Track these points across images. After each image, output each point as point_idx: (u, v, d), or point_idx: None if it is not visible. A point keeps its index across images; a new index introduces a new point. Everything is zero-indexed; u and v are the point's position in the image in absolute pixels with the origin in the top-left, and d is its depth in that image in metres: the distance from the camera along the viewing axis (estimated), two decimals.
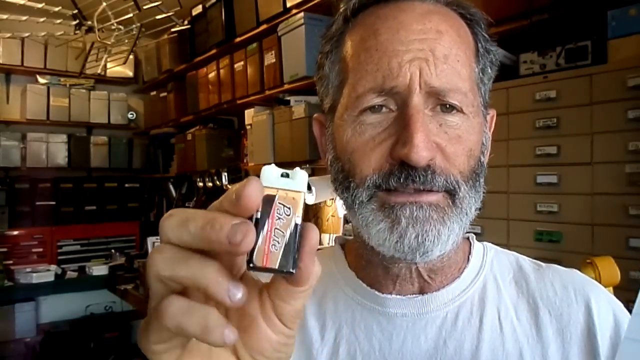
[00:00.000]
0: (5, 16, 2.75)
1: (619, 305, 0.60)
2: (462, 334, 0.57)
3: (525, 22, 1.63)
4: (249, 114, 3.07)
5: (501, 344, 0.56)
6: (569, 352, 0.56)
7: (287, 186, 0.34)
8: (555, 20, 1.60)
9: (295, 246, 0.33)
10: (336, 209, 2.77)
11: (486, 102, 0.59)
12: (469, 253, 0.63)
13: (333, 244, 0.69)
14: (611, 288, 1.26)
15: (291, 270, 0.33)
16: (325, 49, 0.60)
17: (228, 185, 3.29)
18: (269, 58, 2.82)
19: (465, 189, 0.53)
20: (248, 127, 3.08)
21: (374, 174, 0.52)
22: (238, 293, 0.32)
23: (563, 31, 1.60)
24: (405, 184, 0.50)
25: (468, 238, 0.65)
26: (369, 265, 0.60)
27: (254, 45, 2.96)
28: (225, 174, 3.30)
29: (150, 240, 3.60)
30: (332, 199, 2.73)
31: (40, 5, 2.63)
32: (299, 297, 0.36)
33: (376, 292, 0.59)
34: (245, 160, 3.29)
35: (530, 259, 0.65)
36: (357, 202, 0.53)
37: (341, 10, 0.58)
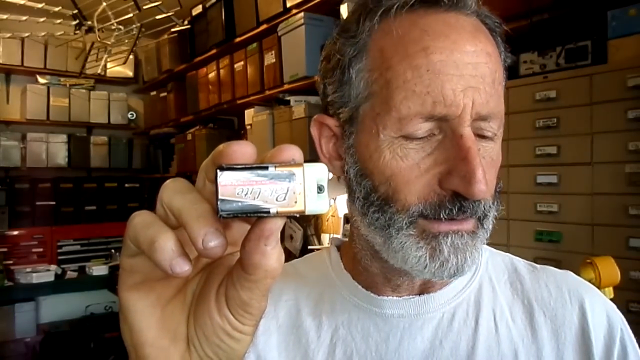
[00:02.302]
0: (5, 16, 2.75)
1: (612, 306, 0.61)
2: (458, 335, 0.57)
3: (525, 22, 1.63)
4: (249, 114, 3.07)
5: (497, 344, 0.56)
6: (563, 353, 0.56)
7: (314, 197, 0.32)
8: (555, 20, 1.60)
9: (245, 215, 0.32)
10: (336, 209, 2.76)
11: None
12: None
13: (329, 245, 0.69)
14: (611, 288, 1.26)
15: (221, 214, 0.32)
16: (347, 49, 0.54)
17: None
18: (269, 58, 2.82)
19: (492, 212, 0.53)
20: (248, 127, 3.08)
21: (419, 203, 0.50)
22: (180, 267, 0.32)
23: (563, 31, 1.60)
24: (457, 215, 0.50)
25: None
26: (366, 271, 0.60)
27: (254, 45, 2.96)
28: None
29: None
30: (333, 199, 2.73)
31: (40, 5, 2.63)
32: (247, 287, 0.35)
33: (372, 294, 0.59)
34: None
35: (525, 260, 0.66)
36: (395, 226, 0.51)
37: (367, 9, 0.53)
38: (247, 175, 0.31)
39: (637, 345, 0.59)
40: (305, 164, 0.32)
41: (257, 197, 0.31)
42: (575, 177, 1.48)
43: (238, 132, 3.63)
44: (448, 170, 0.49)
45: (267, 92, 2.86)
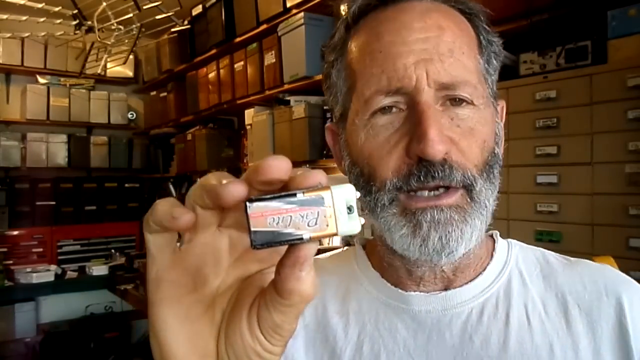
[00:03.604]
0: (5, 16, 2.75)
1: None
2: (488, 329, 0.56)
3: (525, 22, 1.63)
4: (249, 114, 3.07)
5: (530, 337, 0.55)
6: (600, 347, 0.55)
7: (345, 219, 0.32)
8: (555, 20, 1.60)
9: (279, 244, 0.32)
10: None
11: (495, 93, 0.59)
12: (493, 250, 0.63)
13: (355, 244, 0.69)
14: None
15: (255, 245, 0.31)
16: (330, 58, 0.60)
17: None
18: (269, 58, 2.82)
19: (481, 183, 0.53)
20: (248, 127, 3.08)
21: (393, 176, 0.52)
22: (182, 217, 0.32)
23: (563, 31, 1.60)
24: (426, 181, 0.51)
25: (492, 235, 0.65)
26: (392, 268, 0.60)
27: (254, 45, 2.96)
28: None
29: None
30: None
31: (40, 5, 2.63)
32: (280, 310, 0.35)
33: (400, 290, 0.59)
34: (245, 160, 3.29)
35: (559, 254, 0.65)
36: (379, 205, 0.53)
37: (342, 18, 0.59)
38: (276, 204, 0.31)
39: None
40: (333, 187, 0.32)
41: (289, 225, 0.31)
42: (575, 177, 1.48)
43: (238, 132, 3.63)
44: (411, 138, 0.51)
45: (267, 92, 2.86)
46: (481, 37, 0.58)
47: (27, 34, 3.27)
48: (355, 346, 0.59)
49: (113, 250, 4.20)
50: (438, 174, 0.50)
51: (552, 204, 1.52)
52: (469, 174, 0.52)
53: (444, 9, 0.56)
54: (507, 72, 1.70)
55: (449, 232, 0.51)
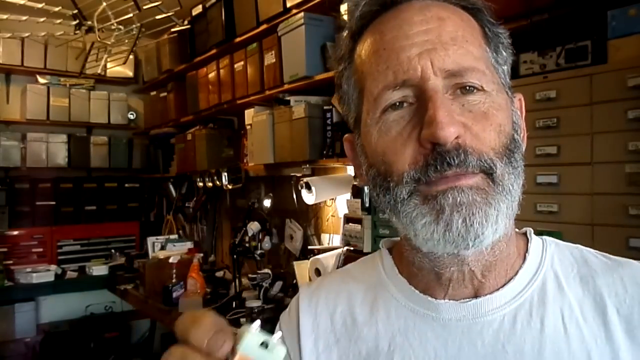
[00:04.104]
0: (5, 16, 2.75)
1: None
2: (521, 338, 0.53)
3: (525, 22, 1.63)
4: (249, 114, 3.07)
5: (567, 346, 0.53)
6: (638, 356, 0.52)
7: (264, 355, 0.36)
8: (555, 20, 1.60)
9: None
10: (336, 209, 2.77)
11: (509, 84, 0.58)
12: (526, 250, 0.60)
13: (380, 247, 0.68)
14: None
15: None
16: (339, 68, 0.61)
17: (228, 186, 3.29)
18: (269, 58, 2.82)
19: (501, 166, 0.51)
20: (248, 127, 3.08)
21: (410, 169, 0.51)
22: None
23: (563, 31, 1.60)
24: (443, 170, 0.49)
25: (525, 233, 0.63)
26: (421, 272, 0.59)
27: (254, 45, 2.96)
28: (225, 174, 3.30)
29: (150, 240, 3.60)
30: (333, 198, 2.73)
31: (40, 5, 2.63)
32: None
33: (429, 298, 0.57)
34: (245, 160, 3.29)
35: (601, 252, 0.61)
36: (399, 200, 0.52)
37: (346, 27, 0.60)
38: None
39: None
40: (239, 346, 0.37)
41: None
42: (575, 177, 1.47)
43: (238, 132, 3.63)
44: (422, 127, 0.50)
45: (267, 92, 2.86)
46: (486, 29, 0.57)
47: (27, 34, 3.27)
48: (385, 357, 0.57)
49: (113, 250, 4.21)
50: (453, 160, 0.49)
51: (552, 204, 1.52)
52: (486, 157, 0.50)
53: (444, 4, 0.56)
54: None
55: (472, 213, 0.49)
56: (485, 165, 0.50)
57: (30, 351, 3.67)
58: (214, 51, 3.34)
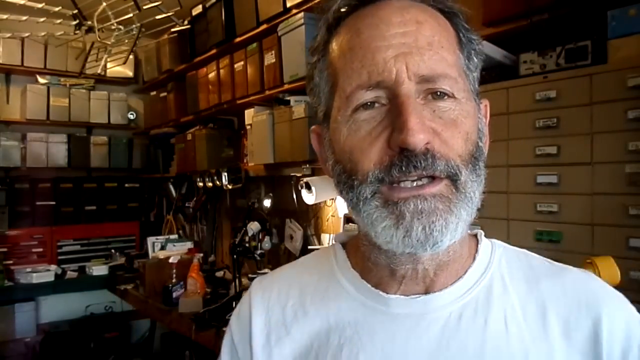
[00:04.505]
0: (5, 16, 2.75)
1: (634, 315, 0.58)
2: (465, 334, 0.56)
3: (525, 22, 1.63)
4: (249, 114, 3.07)
5: (506, 344, 0.55)
6: (572, 356, 0.55)
7: None
8: (555, 20, 1.60)
9: None
10: (336, 209, 2.77)
11: (477, 91, 0.59)
12: (476, 251, 0.62)
13: (333, 242, 0.69)
14: None
15: None
16: (312, 59, 0.61)
17: (228, 186, 3.29)
18: (269, 58, 2.82)
19: (466, 173, 0.52)
20: (248, 127, 3.08)
21: (375, 168, 0.52)
22: None
23: (563, 31, 1.60)
24: (408, 172, 0.50)
25: (476, 235, 0.64)
26: (375, 267, 0.60)
27: (254, 45, 2.96)
28: (225, 174, 3.30)
29: (150, 240, 3.60)
30: (333, 198, 2.73)
31: (40, 5, 2.63)
32: None
33: (380, 292, 0.59)
34: (245, 160, 3.29)
35: (544, 258, 0.64)
36: (362, 199, 0.53)
37: (323, 19, 0.60)
38: None
39: None
40: None
41: None
42: (575, 177, 1.48)
43: (238, 132, 3.63)
44: (392, 130, 0.51)
45: (267, 92, 2.86)
46: (461, 35, 0.58)
47: (27, 34, 3.27)
48: (335, 350, 0.59)
49: (113, 250, 4.21)
50: (420, 163, 0.50)
51: (552, 204, 1.52)
52: (453, 163, 0.52)
53: (422, 6, 0.56)
54: (507, 72, 1.70)
55: (432, 221, 0.50)
56: (452, 171, 0.51)
57: (30, 351, 3.67)
58: (214, 51, 3.34)
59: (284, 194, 3.15)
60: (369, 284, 0.60)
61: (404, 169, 0.50)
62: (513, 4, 1.64)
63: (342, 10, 0.58)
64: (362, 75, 0.52)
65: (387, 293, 0.58)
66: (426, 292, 0.58)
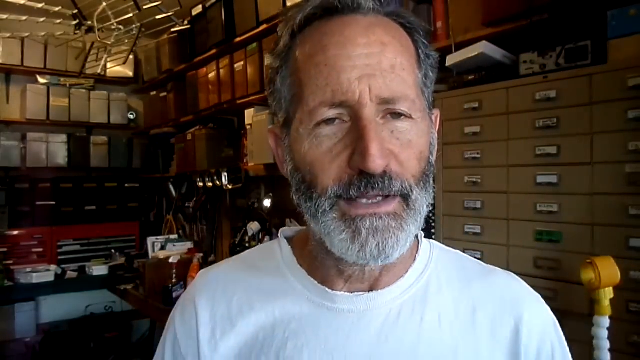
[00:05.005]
0: (5, 16, 2.75)
1: (551, 319, 0.65)
2: (403, 330, 0.60)
3: (525, 22, 1.63)
4: (249, 114, 3.07)
5: (440, 338, 0.60)
6: (496, 350, 0.61)
7: None
8: (555, 20, 1.60)
9: None
10: None
11: (430, 104, 0.62)
12: (416, 251, 0.66)
13: (279, 237, 0.71)
14: (611, 288, 1.27)
15: None
16: (275, 64, 0.63)
17: (228, 186, 3.29)
18: (269, 58, 2.81)
19: (417, 191, 0.56)
20: (248, 127, 3.08)
21: (334, 184, 0.55)
22: None
23: (563, 31, 1.60)
24: (366, 191, 0.53)
25: (417, 236, 0.67)
26: (323, 266, 0.63)
27: (254, 45, 2.96)
28: (225, 174, 3.30)
29: (150, 240, 3.60)
30: None
31: (40, 5, 2.63)
32: None
33: (326, 289, 0.62)
34: (245, 160, 3.29)
35: (476, 260, 0.70)
36: (320, 210, 0.56)
37: (287, 26, 0.61)
38: None
39: None
40: None
41: None
42: (575, 177, 1.47)
43: (238, 132, 3.63)
44: (353, 151, 0.54)
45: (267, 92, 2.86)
46: (420, 52, 0.60)
47: (27, 34, 3.27)
48: (280, 343, 0.61)
49: (113, 250, 4.21)
50: (378, 184, 0.53)
51: (552, 204, 1.52)
52: (407, 184, 0.55)
53: (386, 23, 0.58)
54: (507, 72, 1.70)
55: (386, 239, 0.54)
56: (405, 191, 0.55)
57: (30, 351, 3.67)
58: (214, 51, 3.34)
59: (284, 194, 3.15)
60: (315, 281, 0.63)
61: (362, 189, 0.53)
62: (513, 4, 1.64)
63: (308, 18, 0.58)
64: (327, 93, 0.54)
65: (333, 290, 0.61)
66: (370, 289, 0.62)
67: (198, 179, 3.64)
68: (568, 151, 1.49)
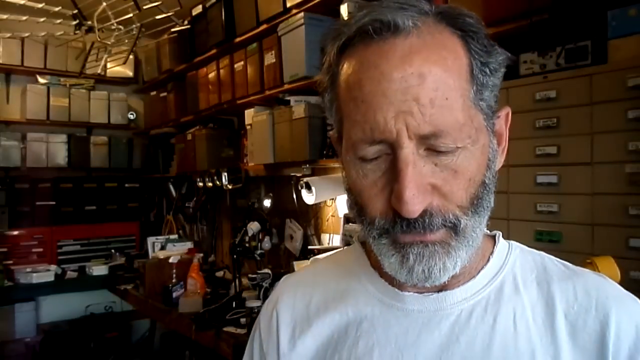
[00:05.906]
0: (5, 16, 2.75)
1: None
2: (474, 331, 0.59)
3: (525, 22, 1.63)
4: (249, 114, 3.07)
5: (514, 342, 0.58)
6: (578, 358, 0.57)
7: None
8: (555, 20, 1.60)
9: None
10: (336, 209, 2.77)
11: (492, 110, 0.60)
12: (491, 252, 0.65)
13: (355, 242, 0.74)
14: None
15: None
16: (323, 80, 0.62)
17: (228, 186, 3.29)
18: (269, 58, 2.82)
19: (465, 219, 0.55)
20: (248, 127, 3.08)
21: (381, 218, 0.56)
22: None
23: (563, 31, 1.60)
24: (409, 231, 0.54)
25: (494, 236, 0.67)
26: None
27: (254, 45, 2.96)
28: (225, 174, 3.30)
29: (150, 240, 3.60)
30: (333, 199, 2.73)
31: (40, 5, 2.63)
32: None
33: (396, 290, 0.63)
34: (245, 160, 3.29)
35: (561, 260, 0.67)
36: (371, 235, 0.58)
37: (333, 45, 0.59)
38: None
39: None
40: None
41: None
42: (575, 177, 1.48)
43: (238, 132, 3.63)
44: (392, 190, 0.54)
45: (267, 92, 2.86)
46: (474, 63, 0.56)
47: (27, 34, 3.27)
48: (352, 342, 0.63)
49: (113, 250, 4.21)
50: (418, 225, 0.54)
51: (552, 204, 1.52)
52: (451, 217, 0.54)
53: (430, 42, 0.53)
54: (507, 72, 1.70)
55: (432, 265, 0.55)
56: (449, 223, 0.55)
57: (30, 351, 3.67)
58: (214, 51, 3.34)
59: (284, 194, 3.15)
60: (386, 282, 0.64)
61: (404, 228, 0.54)
62: (513, 4, 1.64)
63: (351, 39, 0.56)
64: (365, 131, 0.53)
65: (402, 290, 0.62)
66: (439, 290, 0.61)
67: (198, 179, 3.64)
68: (568, 151, 1.49)
